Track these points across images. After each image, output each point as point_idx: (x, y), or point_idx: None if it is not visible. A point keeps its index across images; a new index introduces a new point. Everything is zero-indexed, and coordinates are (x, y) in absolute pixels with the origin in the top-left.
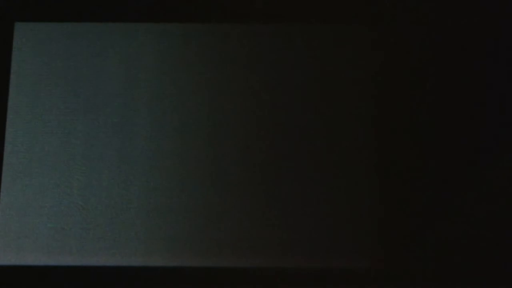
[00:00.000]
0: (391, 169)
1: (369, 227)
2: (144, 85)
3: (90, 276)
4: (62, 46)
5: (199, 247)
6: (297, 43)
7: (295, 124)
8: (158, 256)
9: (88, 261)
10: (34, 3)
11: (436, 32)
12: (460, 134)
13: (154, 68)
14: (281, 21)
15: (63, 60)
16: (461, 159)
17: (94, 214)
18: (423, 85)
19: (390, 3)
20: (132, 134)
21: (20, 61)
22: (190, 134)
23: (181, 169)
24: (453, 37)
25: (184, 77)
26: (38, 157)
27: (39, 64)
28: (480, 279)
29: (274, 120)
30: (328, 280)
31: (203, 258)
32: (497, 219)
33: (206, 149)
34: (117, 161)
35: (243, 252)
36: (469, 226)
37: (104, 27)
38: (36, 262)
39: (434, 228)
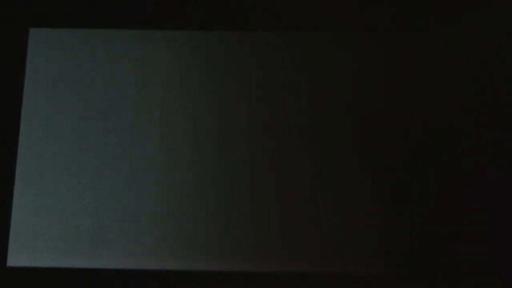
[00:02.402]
0: (396, 172)
1: (376, 232)
2: (156, 91)
3: (101, 278)
4: (76, 51)
5: (210, 251)
6: (304, 50)
7: (304, 129)
8: (169, 259)
9: (99, 264)
10: (49, 9)
11: (440, 38)
12: (463, 137)
13: (166, 74)
14: (289, 28)
15: (77, 65)
16: (466, 160)
17: (105, 217)
18: (427, 90)
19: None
20: (143, 139)
21: (34, 67)
22: (202, 139)
23: (192, 174)
24: (455, 42)
25: (195, 82)
26: (50, 160)
27: (53, 69)
28: (481, 280)
29: (285, 125)
30: (336, 286)
31: (214, 262)
32: (502, 222)
33: (218, 154)
34: (128, 165)
35: (255, 256)
36: (472, 229)
37: (117, 33)
38: (47, 264)
39: (439, 232)
